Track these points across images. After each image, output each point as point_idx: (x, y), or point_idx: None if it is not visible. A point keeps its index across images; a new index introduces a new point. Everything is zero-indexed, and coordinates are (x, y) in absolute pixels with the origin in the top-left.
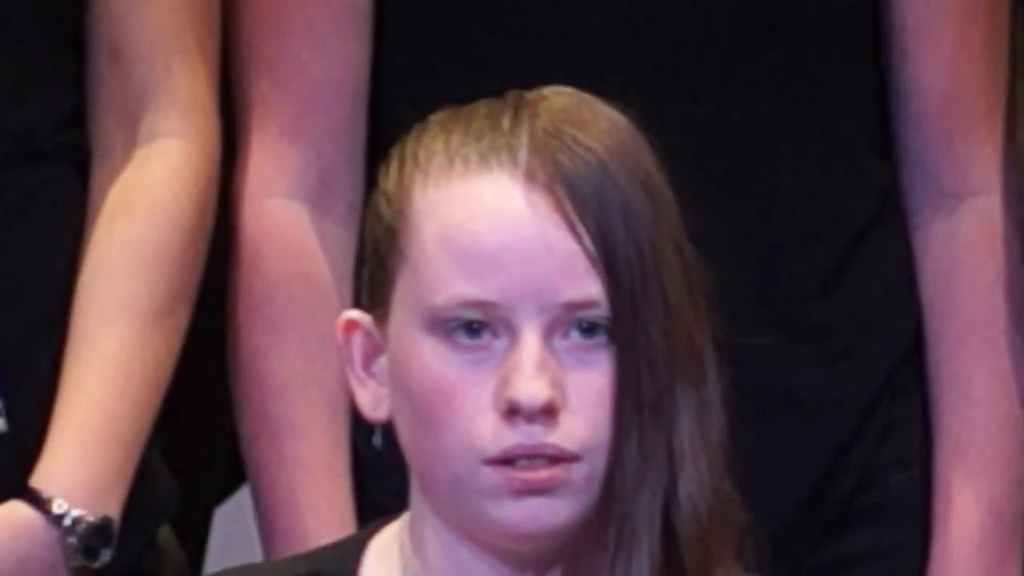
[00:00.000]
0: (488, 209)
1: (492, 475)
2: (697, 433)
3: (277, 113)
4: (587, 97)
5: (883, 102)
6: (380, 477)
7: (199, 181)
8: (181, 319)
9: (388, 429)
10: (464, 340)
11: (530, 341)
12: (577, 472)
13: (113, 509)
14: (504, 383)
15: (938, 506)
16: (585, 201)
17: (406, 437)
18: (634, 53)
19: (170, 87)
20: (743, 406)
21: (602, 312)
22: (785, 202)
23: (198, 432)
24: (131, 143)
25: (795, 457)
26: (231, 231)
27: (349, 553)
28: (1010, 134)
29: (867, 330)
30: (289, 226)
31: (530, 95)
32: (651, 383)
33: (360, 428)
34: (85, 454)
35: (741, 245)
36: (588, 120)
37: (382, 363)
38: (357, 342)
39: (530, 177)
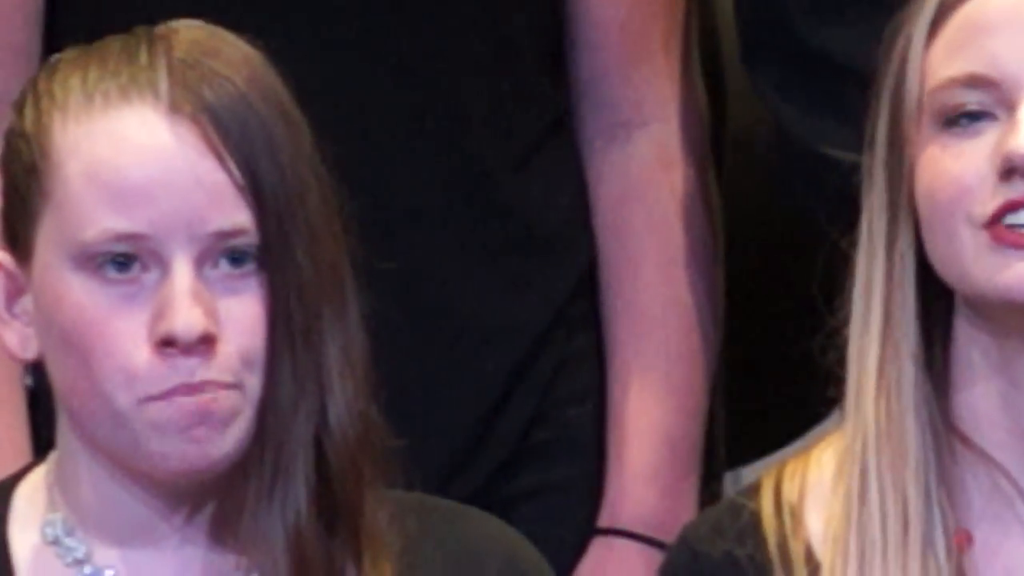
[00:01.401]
0: (133, 142)
1: (152, 411)
2: (343, 358)
3: None
4: (216, 29)
5: (560, 31)
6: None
7: None
8: None
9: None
10: (114, 274)
11: (182, 272)
12: (235, 399)
13: None
14: (158, 315)
15: (612, 436)
16: (230, 131)
17: (58, 376)
18: None
19: None
20: (415, 331)
21: (251, 240)
22: (457, 126)
23: None
24: None
25: (466, 385)
26: None
27: None
28: (688, 64)
29: (539, 258)
30: None
31: (160, 29)
32: (301, 309)
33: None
34: None
35: (413, 167)
36: (223, 51)
37: (26, 303)
38: None
39: (173, 109)
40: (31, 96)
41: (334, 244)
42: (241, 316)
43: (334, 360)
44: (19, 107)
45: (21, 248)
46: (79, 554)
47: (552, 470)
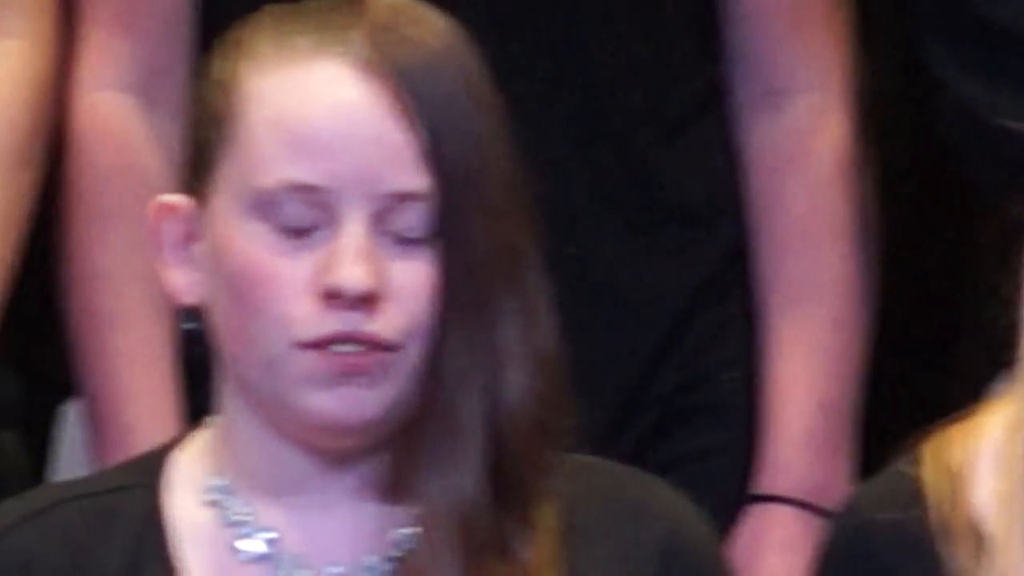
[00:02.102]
0: (320, 94)
1: (306, 360)
2: (522, 341)
3: (106, 5)
4: (415, 1)
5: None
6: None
7: (37, 80)
8: (21, 219)
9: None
10: (287, 224)
11: (354, 228)
12: (392, 362)
13: None
14: (325, 268)
15: (766, 403)
16: (420, 95)
17: (221, 322)
18: None
19: None
20: (567, 302)
21: (427, 206)
22: (612, 98)
23: (44, 330)
24: None
25: (621, 351)
26: (63, 123)
27: (155, 464)
28: (842, 31)
29: (693, 225)
30: (116, 118)
31: None
32: (473, 282)
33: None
34: None
35: (568, 140)
36: (422, 19)
37: (197, 249)
38: (172, 226)
39: (366, 67)
40: (226, 46)
41: (516, 225)
42: (409, 281)
43: (511, 339)
44: (212, 56)
45: (199, 194)
46: (239, 516)
47: (702, 436)
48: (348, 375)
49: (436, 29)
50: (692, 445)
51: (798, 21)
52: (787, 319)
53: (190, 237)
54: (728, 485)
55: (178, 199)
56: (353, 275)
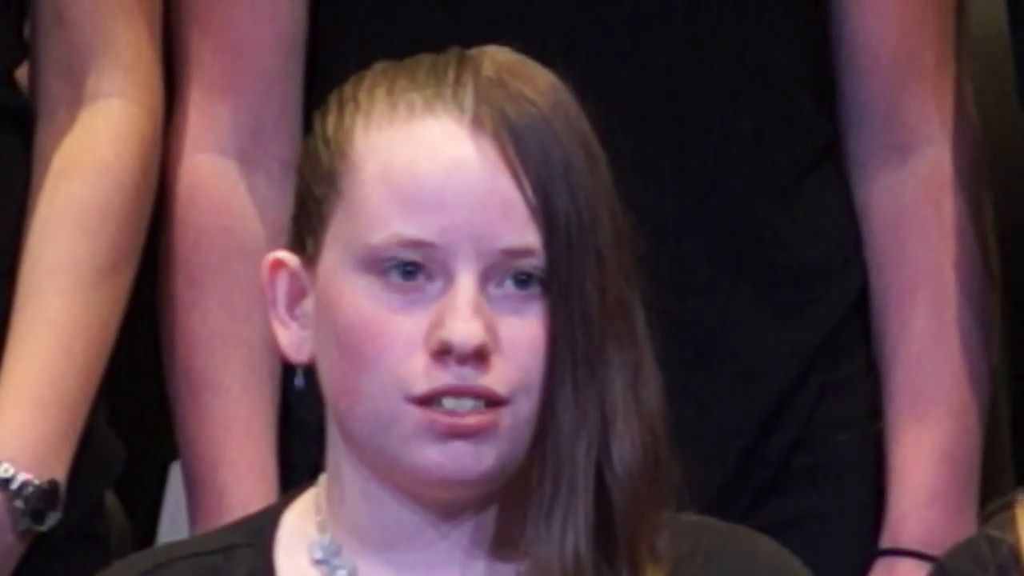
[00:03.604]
0: (432, 150)
1: (416, 415)
2: (630, 396)
3: (208, 68)
4: (524, 57)
5: (827, 56)
6: (310, 437)
7: (142, 141)
8: (125, 279)
9: (311, 374)
10: (398, 280)
11: (466, 284)
12: (504, 417)
13: (59, 472)
14: (437, 324)
15: (891, 459)
16: (529, 152)
17: (330, 378)
18: (568, 13)
19: (113, 47)
20: (682, 359)
21: (538, 262)
22: (725, 156)
23: (148, 392)
24: (75, 104)
25: (734, 411)
26: (164, 186)
27: (264, 523)
28: (960, 84)
29: (810, 284)
30: (216, 181)
31: (471, 51)
32: (584, 337)
33: (292, 387)
34: (31, 417)
35: (681, 199)
36: (531, 76)
37: (306, 306)
38: (282, 283)
39: (477, 123)
40: (335, 102)
41: (624, 280)
42: (521, 336)
43: (620, 396)
44: (323, 113)
45: (309, 251)
46: (345, 574)
47: (817, 496)
48: (458, 434)
49: (544, 86)
50: (807, 505)
51: (917, 75)
52: (908, 374)
53: (299, 294)
54: (845, 545)
55: (287, 255)
56: (465, 330)
